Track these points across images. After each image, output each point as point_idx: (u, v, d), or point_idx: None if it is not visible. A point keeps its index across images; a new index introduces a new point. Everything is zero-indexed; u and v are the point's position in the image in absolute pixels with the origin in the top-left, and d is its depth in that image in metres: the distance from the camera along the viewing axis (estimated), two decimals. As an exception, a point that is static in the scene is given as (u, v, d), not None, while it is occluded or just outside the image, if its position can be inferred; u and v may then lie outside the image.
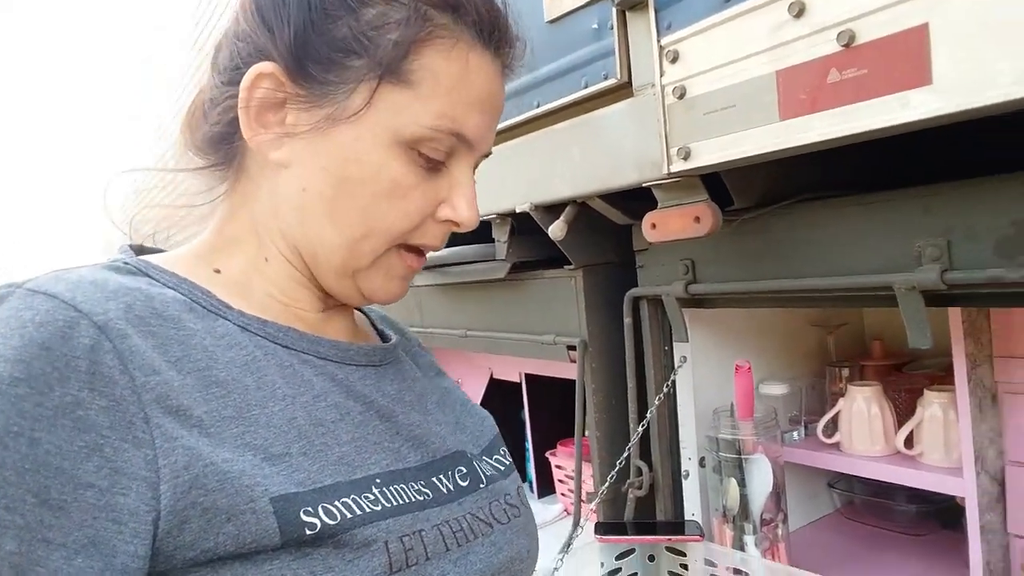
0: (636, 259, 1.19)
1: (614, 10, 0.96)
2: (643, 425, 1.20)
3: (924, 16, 0.65)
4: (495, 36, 0.53)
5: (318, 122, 0.50)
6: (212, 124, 0.54)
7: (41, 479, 0.36)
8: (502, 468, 0.61)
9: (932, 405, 1.08)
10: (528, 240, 1.33)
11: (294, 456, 0.44)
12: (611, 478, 1.22)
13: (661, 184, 0.97)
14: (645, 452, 1.23)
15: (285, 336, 0.50)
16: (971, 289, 0.78)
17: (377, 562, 0.43)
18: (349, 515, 0.43)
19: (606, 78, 1.00)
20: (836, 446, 1.19)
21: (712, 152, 0.86)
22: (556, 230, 1.16)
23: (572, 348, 1.29)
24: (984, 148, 0.89)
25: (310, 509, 0.42)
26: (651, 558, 1.18)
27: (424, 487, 0.50)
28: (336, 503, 0.43)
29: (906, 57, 0.66)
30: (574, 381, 1.30)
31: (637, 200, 1.07)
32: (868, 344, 1.43)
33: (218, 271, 0.53)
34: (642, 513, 1.24)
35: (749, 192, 0.97)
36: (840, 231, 0.90)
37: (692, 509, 1.21)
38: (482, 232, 1.09)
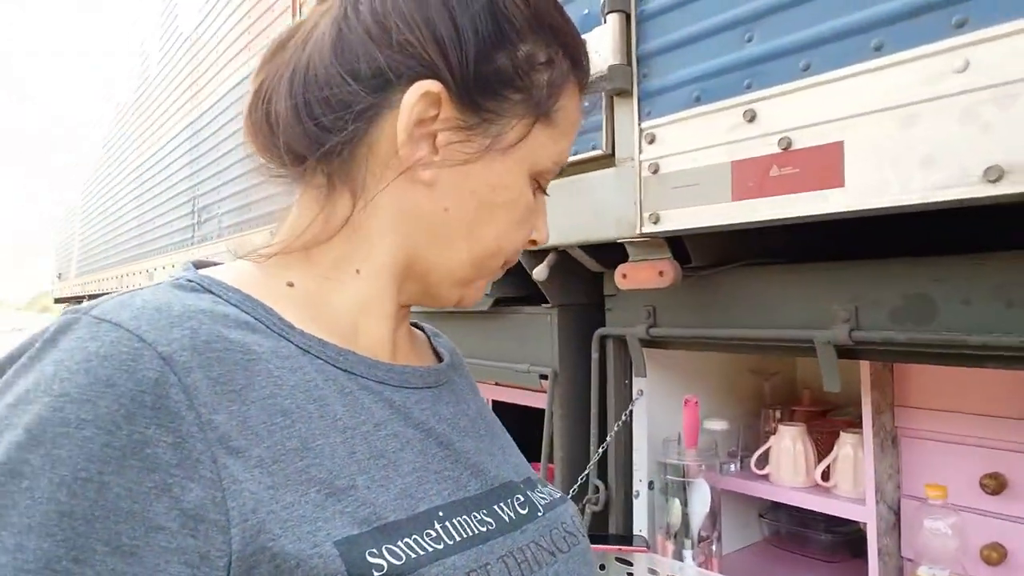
0: (605, 303, 1.38)
1: (604, 95, 1.16)
2: (602, 448, 1.37)
3: (840, 135, 0.85)
4: (587, 79, 0.58)
5: (475, 152, 0.50)
6: (316, 125, 0.49)
7: (112, 525, 0.34)
8: (556, 496, 0.59)
9: (845, 444, 1.28)
10: (510, 278, 1.51)
11: (359, 489, 0.42)
12: (572, 492, 1.38)
13: (633, 241, 1.16)
14: (602, 473, 1.40)
15: (344, 359, 0.48)
16: (871, 346, 0.98)
17: None
18: (413, 555, 0.42)
19: (594, 148, 1.19)
20: (766, 477, 1.38)
21: (677, 220, 1.05)
22: (539, 272, 1.33)
23: (544, 377, 1.46)
24: (891, 234, 1.11)
25: (375, 551, 0.40)
26: (602, 567, 1.33)
27: (487, 516, 0.49)
28: (399, 544, 0.42)
29: (827, 164, 0.87)
30: (536, 410, 1.46)
31: (609, 252, 1.26)
32: (799, 392, 1.64)
33: (291, 284, 0.50)
34: (597, 527, 1.39)
35: (705, 254, 1.17)
36: (773, 292, 1.10)
37: (640, 526, 1.37)
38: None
